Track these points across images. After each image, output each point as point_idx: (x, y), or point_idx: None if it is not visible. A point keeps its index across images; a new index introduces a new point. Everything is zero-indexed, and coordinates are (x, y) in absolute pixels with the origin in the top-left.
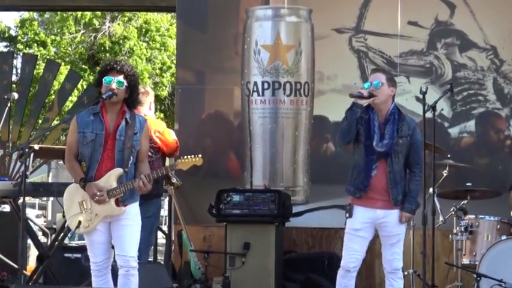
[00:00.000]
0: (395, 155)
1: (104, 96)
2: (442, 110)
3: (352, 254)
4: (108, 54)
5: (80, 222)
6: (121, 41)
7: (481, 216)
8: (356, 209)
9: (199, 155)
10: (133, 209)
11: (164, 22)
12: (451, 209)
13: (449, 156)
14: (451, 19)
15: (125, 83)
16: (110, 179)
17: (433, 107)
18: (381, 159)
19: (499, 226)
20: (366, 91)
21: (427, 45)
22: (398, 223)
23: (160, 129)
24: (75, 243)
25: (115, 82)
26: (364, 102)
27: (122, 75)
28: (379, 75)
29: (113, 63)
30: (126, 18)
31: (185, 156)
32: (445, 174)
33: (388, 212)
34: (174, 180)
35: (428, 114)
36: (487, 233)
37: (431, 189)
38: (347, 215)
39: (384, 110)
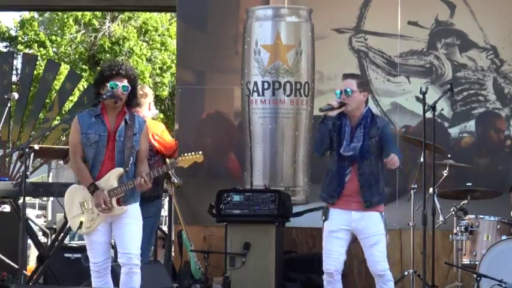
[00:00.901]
0: (365, 157)
1: (104, 97)
2: (442, 110)
3: (331, 257)
4: (108, 55)
5: (81, 222)
6: (121, 42)
7: (481, 216)
8: (332, 211)
9: (200, 152)
10: (134, 209)
11: (163, 21)
12: (451, 209)
13: (449, 156)
14: (451, 19)
15: (129, 87)
16: (111, 178)
17: (433, 107)
18: (353, 163)
19: (499, 226)
20: (336, 102)
21: (427, 45)
22: (374, 224)
23: (158, 132)
24: (75, 243)
25: (120, 87)
26: (336, 113)
27: (126, 80)
28: (349, 82)
29: (118, 68)
30: (126, 18)
31: (186, 154)
32: (445, 174)
33: (363, 213)
34: (174, 179)
35: (429, 114)
36: (487, 233)
37: (431, 189)
38: (323, 217)
39: (356, 115)
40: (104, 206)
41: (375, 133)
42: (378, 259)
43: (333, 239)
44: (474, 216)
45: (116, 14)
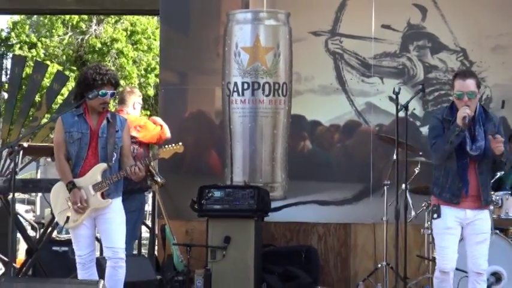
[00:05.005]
0: (487, 156)
1: (90, 96)
2: (414, 109)
3: (447, 254)
4: (96, 55)
5: (68, 217)
6: (109, 43)
7: None
8: (444, 208)
9: (180, 143)
10: (117, 203)
11: (151, 25)
12: (423, 204)
13: (420, 153)
14: (423, 22)
15: (115, 93)
16: (95, 173)
17: (406, 107)
18: (471, 162)
19: None
20: (469, 110)
21: (400, 47)
22: (486, 222)
23: (141, 123)
24: (62, 237)
25: (109, 95)
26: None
27: (113, 87)
28: (470, 83)
29: (109, 77)
30: (113, 21)
31: (166, 146)
32: (416, 171)
33: (477, 211)
34: (157, 178)
35: (401, 114)
36: None
37: (403, 185)
38: (435, 215)
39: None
40: (79, 204)
41: (493, 129)
42: (481, 257)
43: (449, 235)
44: None
45: (102, 17)
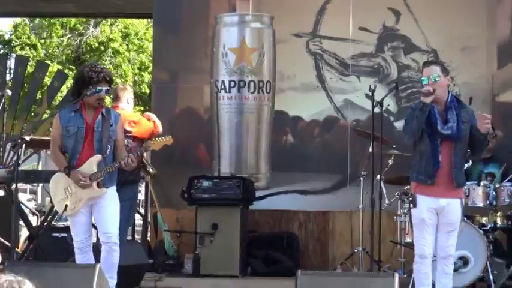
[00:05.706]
0: (460, 137)
1: (88, 93)
2: (389, 105)
3: (424, 243)
4: (93, 55)
5: (66, 205)
6: (106, 42)
7: None
8: (419, 198)
9: (170, 136)
10: (112, 192)
11: (141, 27)
12: (396, 193)
13: (394, 146)
14: (397, 25)
15: (109, 89)
16: (91, 164)
17: (381, 103)
18: (444, 145)
19: None
20: (431, 87)
21: (376, 48)
22: (456, 212)
23: (135, 119)
24: (62, 224)
25: (104, 91)
26: (431, 99)
27: (108, 84)
28: (434, 68)
29: (104, 75)
30: (109, 23)
31: (156, 138)
32: (390, 163)
33: (450, 200)
34: (150, 169)
35: (376, 110)
36: None
37: (378, 176)
38: (411, 205)
39: (442, 99)
40: (82, 179)
41: (466, 117)
42: (449, 245)
43: (424, 226)
44: None
45: (99, 20)
